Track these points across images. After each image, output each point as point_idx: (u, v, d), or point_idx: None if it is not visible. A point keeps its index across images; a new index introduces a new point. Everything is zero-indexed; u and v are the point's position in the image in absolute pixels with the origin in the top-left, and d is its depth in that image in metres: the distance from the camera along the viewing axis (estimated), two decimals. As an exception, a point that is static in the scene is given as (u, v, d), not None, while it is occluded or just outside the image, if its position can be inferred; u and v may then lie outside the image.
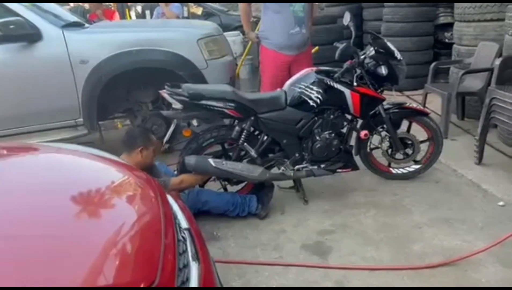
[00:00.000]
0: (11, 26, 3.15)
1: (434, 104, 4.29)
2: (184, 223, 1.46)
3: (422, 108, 3.03)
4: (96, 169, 1.52)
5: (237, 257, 2.37)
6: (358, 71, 2.72)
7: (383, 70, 2.68)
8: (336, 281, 2.12)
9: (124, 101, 3.91)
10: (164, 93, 2.58)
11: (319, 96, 2.68)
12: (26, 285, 0.88)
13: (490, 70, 3.62)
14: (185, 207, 1.65)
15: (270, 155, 2.84)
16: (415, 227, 2.55)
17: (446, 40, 5.86)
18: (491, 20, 4.03)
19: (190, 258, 1.28)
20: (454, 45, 4.63)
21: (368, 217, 2.70)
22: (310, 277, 2.17)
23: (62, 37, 3.34)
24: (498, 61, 3.41)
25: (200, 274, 1.24)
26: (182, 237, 1.33)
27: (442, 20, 6.31)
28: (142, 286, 0.96)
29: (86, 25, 3.77)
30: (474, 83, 3.90)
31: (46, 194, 1.26)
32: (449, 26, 6.03)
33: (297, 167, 2.80)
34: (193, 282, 1.19)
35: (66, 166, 1.50)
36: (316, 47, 4.97)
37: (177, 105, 2.58)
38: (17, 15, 3.23)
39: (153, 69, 3.50)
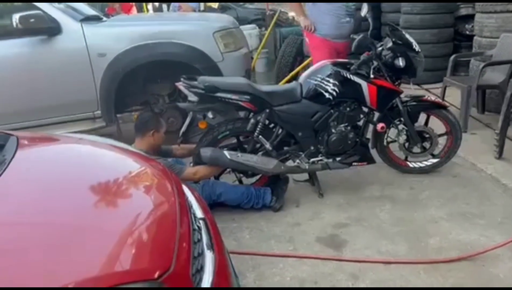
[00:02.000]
0: (31, 20, 3.21)
1: (453, 97, 4.21)
2: (199, 213, 1.48)
3: (440, 101, 2.98)
4: (114, 160, 1.54)
5: (251, 248, 2.38)
6: (375, 63, 2.69)
7: (400, 62, 2.64)
8: (350, 274, 2.12)
9: (141, 94, 3.94)
10: (180, 86, 2.60)
11: (335, 88, 2.66)
12: (45, 270, 0.91)
13: (512, 62, 3.53)
14: (201, 198, 1.67)
15: (285, 148, 2.83)
16: (431, 222, 2.52)
17: (467, 32, 5.72)
18: (514, 11, 3.92)
19: (205, 247, 1.30)
20: (475, 37, 4.53)
21: (383, 211, 2.68)
22: (325, 270, 2.17)
23: (81, 31, 3.39)
24: (521, 53, 3.32)
25: (215, 262, 1.26)
26: (197, 226, 1.35)
27: (463, 11, 6.16)
28: (158, 272, 0.98)
29: (104, 18, 3.82)
30: (495, 76, 3.81)
31: (65, 184, 1.29)
32: (470, 18, 5.88)
33: (312, 160, 2.79)
34: (208, 270, 1.20)
35: (85, 156, 1.54)
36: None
37: (192, 98, 2.59)
38: (37, 8, 3.29)
39: (169, 62, 3.53)
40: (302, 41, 6.08)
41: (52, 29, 3.33)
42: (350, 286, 2.04)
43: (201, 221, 1.42)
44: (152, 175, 1.43)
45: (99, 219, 1.15)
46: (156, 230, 1.12)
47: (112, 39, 3.44)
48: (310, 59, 5.11)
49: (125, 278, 0.92)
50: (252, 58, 5.95)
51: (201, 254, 1.24)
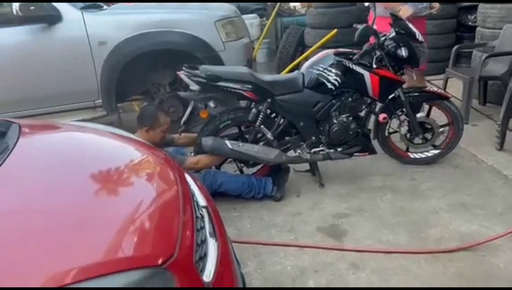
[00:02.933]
0: (32, 8, 3.19)
1: (455, 88, 4.19)
2: (202, 201, 1.48)
3: (442, 92, 2.96)
4: (117, 148, 1.54)
5: (253, 237, 2.39)
6: (378, 53, 2.67)
7: (403, 52, 2.63)
8: (351, 263, 2.13)
9: (142, 83, 3.93)
10: (182, 74, 2.59)
11: (338, 78, 2.65)
12: (48, 256, 0.91)
13: (515, 53, 3.51)
14: (203, 187, 1.66)
15: (287, 138, 2.83)
16: (432, 212, 2.52)
17: (470, 23, 5.69)
18: (518, 1, 3.89)
19: (208, 235, 1.30)
20: (478, 28, 4.50)
21: (384, 201, 2.68)
22: (326, 259, 2.18)
23: (82, 19, 3.37)
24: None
25: (218, 250, 1.26)
26: (200, 214, 1.35)
27: (466, 2, 6.12)
28: (161, 259, 0.98)
29: (105, 6, 3.78)
30: (497, 67, 3.79)
31: (68, 171, 1.28)
32: (473, 8, 5.84)
33: (313, 150, 2.79)
34: (211, 257, 1.21)
35: (88, 144, 1.53)
36: (334, 30, 4.89)
37: (194, 87, 2.58)
38: (37, -4, 3.26)
39: (170, 51, 3.51)
40: (303, 31, 6.05)
41: (52, 17, 3.31)
42: (351, 274, 2.05)
43: (203, 209, 1.42)
44: (154, 163, 1.43)
45: (102, 206, 1.14)
46: (159, 218, 1.12)
47: (113, 28, 3.42)
48: (311, 49, 5.09)
49: (129, 264, 0.92)
50: (253, 48, 5.92)
51: (204, 242, 1.25)
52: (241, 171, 2.94)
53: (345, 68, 2.66)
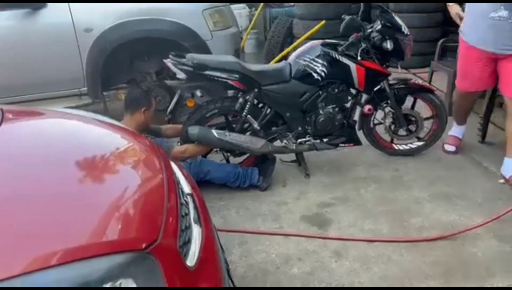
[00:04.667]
0: (15, -8, 3.13)
1: (440, 82, 4.25)
2: (186, 189, 1.48)
3: (427, 84, 3.00)
4: (102, 134, 1.53)
5: (238, 226, 2.41)
6: (364, 44, 2.69)
7: (388, 45, 2.65)
8: (334, 251, 2.17)
9: (128, 71, 3.89)
10: (168, 62, 2.57)
11: (324, 69, 2.66)
12: (33, 239, 0.91)
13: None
14: (189, 175, 1.67)
15: (273, 128, 2.85)
16: (414, 202, 2.58)
17: (456, 17, 5.74)
18: (503, -4, 3.93)
19: (192, 221, 1.31)
20: (464, 22, 4.54)
21: (368, 191, 2.73)
22: (309, 247, 2.21)
23: (67, 5, 3.32)
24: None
25: (202, 236, 1.27)
26: (185, 201, 1.36)
27: (452, -4, 6.16)
28: (145, 243, 0.99)
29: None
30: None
31: (52, 157, 1.28)
32: (460, 3, 5.90)
33: (299, 140, 2.81)
34: (194, 243, 1.22)
35: (72, 131, 1.52)
36: (323, 21, 4.90)
37: (181, 75, 2.57)
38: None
39: (157, 39, 3.48)
40: (292, 22, 6.05)
41: (36, 2, 3.24)
42: (334, 262, 2.09)
43: (188, 197, 1.43)
44: (140, 150, 1.42)
45: (85, 192, 1.14)
46: (144, 204, 1.13)
47: (99, 14, 3.37)
48: (300, 40, 5.09)
49: (113, 248, 0.92)
50: (241, 38, 5.90)
51: (188, 228, 1.26)
52: (227, 161, 2.95)
53: (331, 59, 2.68)
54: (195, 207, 1.41)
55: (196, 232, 1.28)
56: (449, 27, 5.72)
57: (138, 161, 1.36)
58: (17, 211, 1.00)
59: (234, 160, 2.97)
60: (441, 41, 4.24)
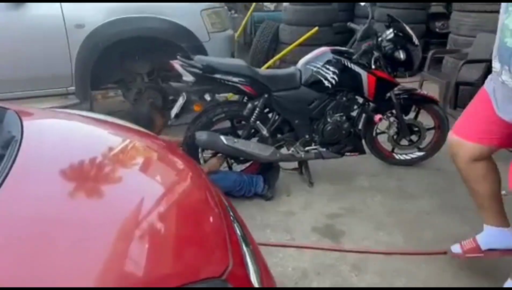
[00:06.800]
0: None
1: (429, 92, 4.32)
2: (225, 202, 1.37)
3: (432, 95, 3.01)
4: (141, 148, 1.37)
5: (248, 238, 2.30)
6: (376, 53, 2.66)
7: (401, 55, 2.63)
8: (352, 265, 2.10)
9: (117, 71, 3.69)
10: (176, 64, 2.44)
11: (335, 76, 2.61)
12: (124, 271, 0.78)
13: (490, 61, 3.65)
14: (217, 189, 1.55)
15: (279, 135, 2.76)
16: (423, 213, 2.56)
17: (437, 30, 5.91)
18: (491, 11, 4.06)
19: (241, 240, 1.20)
20: (451, 35, 4.67)
21: (375, 202, 2.69)
22: (326, 260, 2.14)
23: (58, -3, 3.09)
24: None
25: (253, 254, 1.17)
26: (232, 217, 1.25)
27: (433, 9, 6.36)
28: (220, 270, 0.88)
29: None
30: (471, 73, 3.94)
31: (123, 187, 1.11)
32: (440, 16, 6.08)
33: (306, 148, 2.75)
34: (251, 263, 1.11)
35: (102, 139, 1.36)
36: (315, 28, 4.88)
37: (188, 78, 2.44)
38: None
39: (152, 39, 3.32)
40: (278, 27, 6.00)
41: (23, -7, 3.01)
42: (354, 276, 2.03)
43: (230, 211, 1.32)
44: (182, 164, 1.30)
45: (149, 217, 1.00)
46: (210, 228, 1.01)
47: (92, 10, 3.16)
48: (291, 47, 5.03)
49: (196, 276, 0.81)
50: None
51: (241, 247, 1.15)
52: (230, 168, 2.84)
53: (343, 67, 2.63)
54: (239, 223, 1.30)
55: (246, 251, 1.18)
56: (430, 39, 5.91)
57: (186, 176, 1.23)
58: (91, 236, 0.86)
59: (237, 167, 2.86)
60: (431, 52, 4.32)
